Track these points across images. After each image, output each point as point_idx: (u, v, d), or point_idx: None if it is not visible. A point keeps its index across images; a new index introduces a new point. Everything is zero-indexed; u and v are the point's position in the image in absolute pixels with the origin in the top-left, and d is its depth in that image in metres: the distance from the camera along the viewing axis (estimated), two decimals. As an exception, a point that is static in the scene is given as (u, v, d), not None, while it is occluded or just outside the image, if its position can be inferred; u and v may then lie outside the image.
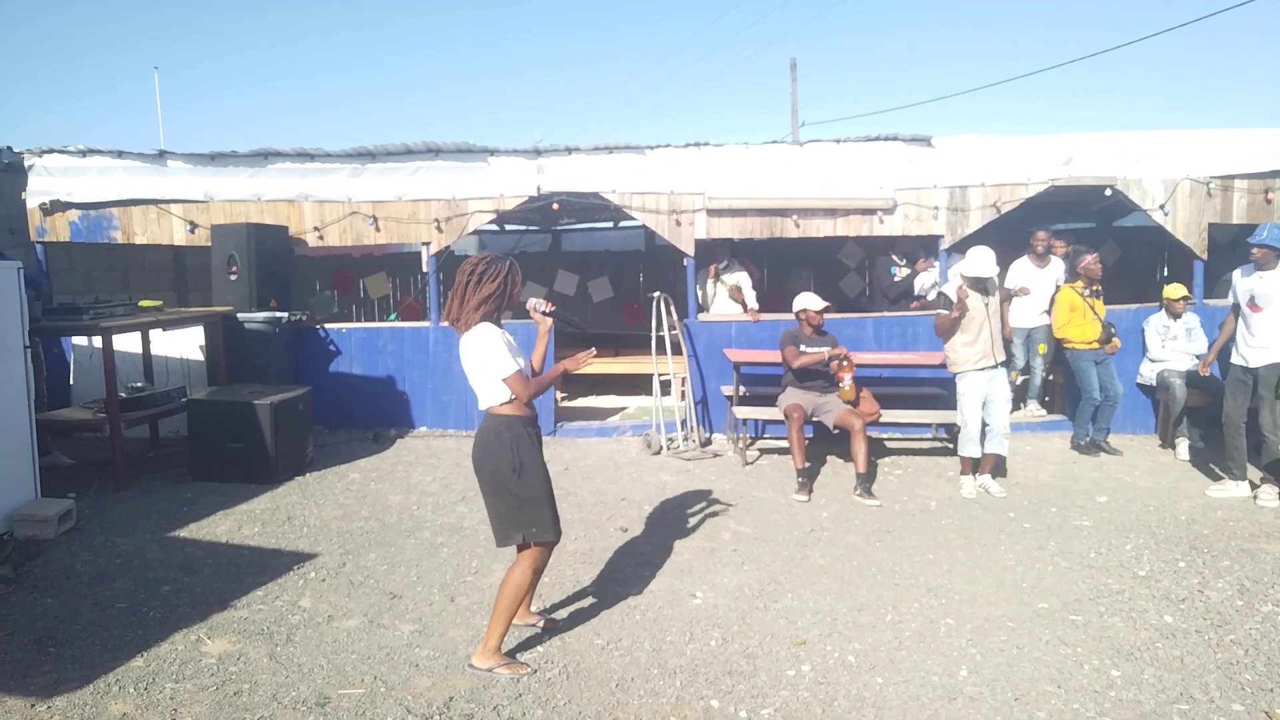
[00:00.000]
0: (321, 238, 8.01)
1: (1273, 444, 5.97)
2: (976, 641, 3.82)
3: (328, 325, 8.19)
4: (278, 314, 7.51)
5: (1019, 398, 8.40)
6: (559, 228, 12.56)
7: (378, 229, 7.96)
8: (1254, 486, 6.06)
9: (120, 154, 7.90)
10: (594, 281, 12.00)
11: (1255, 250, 5.96)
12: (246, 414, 6.28)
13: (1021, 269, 8.05)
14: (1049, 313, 7.80)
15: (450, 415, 8.12)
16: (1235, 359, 6.12)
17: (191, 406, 6.50)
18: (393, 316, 10.29)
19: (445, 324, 3.85)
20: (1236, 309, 6.17)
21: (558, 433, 8.08)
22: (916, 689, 3.41)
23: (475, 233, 8.83)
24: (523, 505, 3.51)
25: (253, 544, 5.18)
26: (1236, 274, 6.22)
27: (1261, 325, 5.92)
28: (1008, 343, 6.70)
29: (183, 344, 8.06)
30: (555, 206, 8.11)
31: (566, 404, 9.25)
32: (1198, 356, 7.45)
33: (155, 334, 7.72)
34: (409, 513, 5.80)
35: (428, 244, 8.05)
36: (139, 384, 7.13)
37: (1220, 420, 6.29)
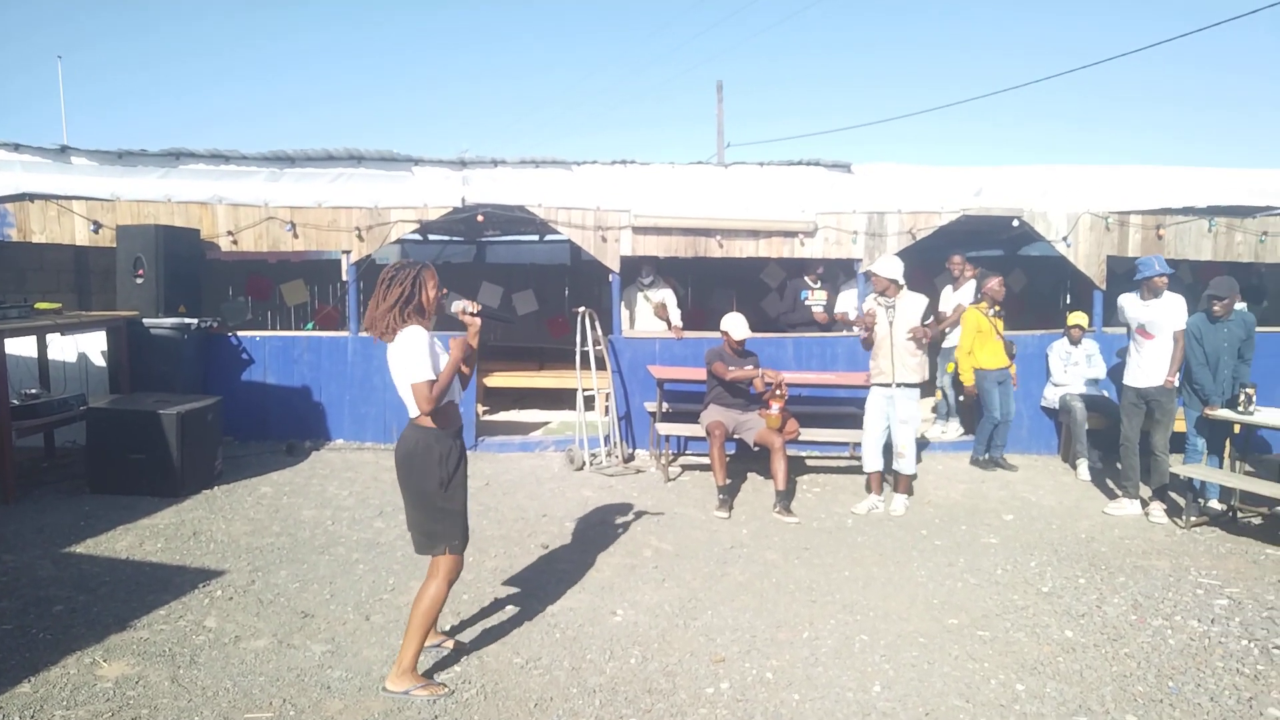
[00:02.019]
0: (235, 242, 7.75)
1: (1163, 465, 6.32)
2: (890, 657, 3.91)
3: (241, 333, 7.91)
4: (187, 320, 7.22)
5: (942, 417, 8.69)
6: (484, 239, 12.44)
7: (296, 235, 7.74)
8: (1145, 504, 6.39)
9: (18, 147, 7.49)
10: (519, 294, 11.91)
11: (1154, 281, 6.29)
12: (151, 424, 6.01)
13: (946, 294, 8.38)
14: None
15: (369, 427, 7.93)
16: (1128, 382, 6.46)
17: (91, 415, 6.18)
18: (310, 326, 9.99)
19: (364, 334, 3.73)
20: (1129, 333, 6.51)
21: (479, 447, 7.97)
22: (832, 705, 3.47)
23: (398, 242, 8.65)
24: (445, 517, 3.47)
25: (155, 560, 4.94)
26: (1125, 301, 6.55)
27: (1153, 351, 6.26)
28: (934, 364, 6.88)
29: (83, 349, 7.67)
30: (480, 218, 8.03)
31: (488, 418, 9.14)
32: (1096, 381, 7.84)
33: (53, 338, 7.33)
34: (323, 528, 5.64)
35: (348, 252, 7.87)
36: (33, 390, 6.74)
37: (1118, 442, 6.63)
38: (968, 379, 7.67)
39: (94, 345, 7.62)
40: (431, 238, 11.96)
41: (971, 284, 8.37)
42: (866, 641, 4.08)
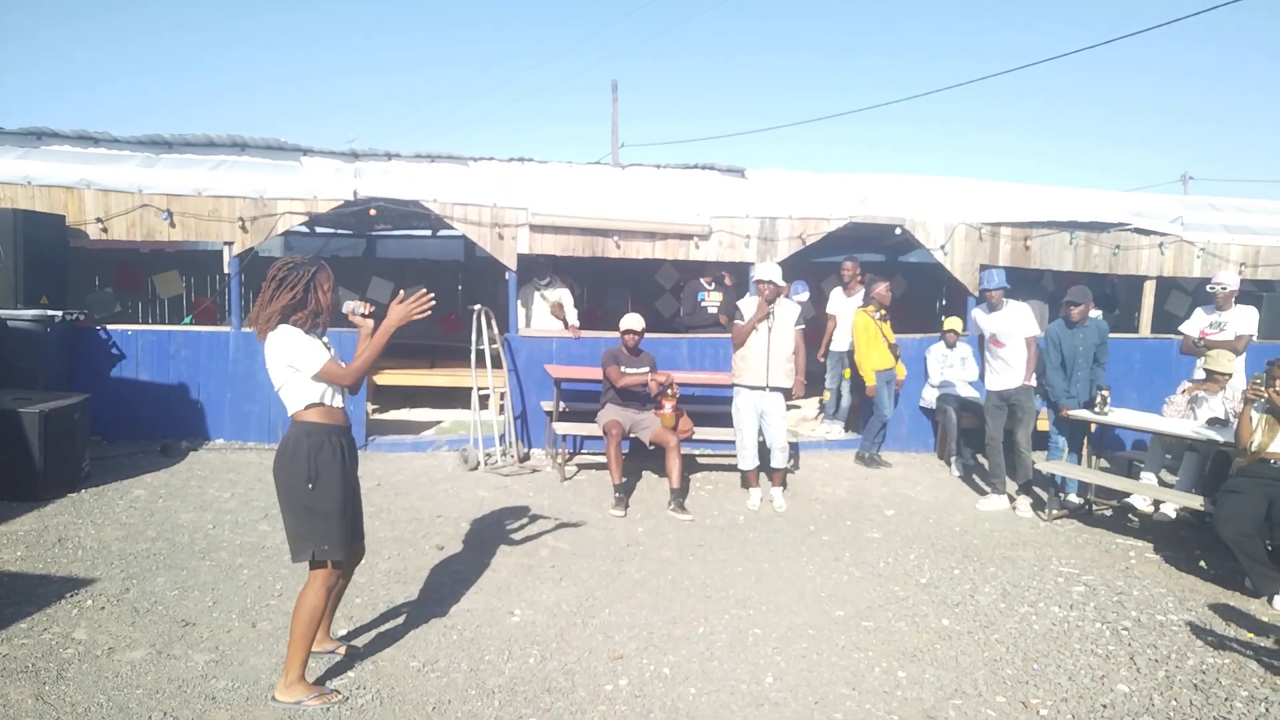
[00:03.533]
0: (105, 230, 7.28)
1: (1026, 462, 6.76)
2: (781, 649, 4.06)
3: (111, 326, 7.45)
4: (49, 312, 6.75)
5: (829, 416, 9.01)
6: (374, 233, 12.10)
7: (173, 225, 7.34)
8: (1012, 499, 6.82)
9: None
10: (410, 289, 11.60)
11: (990, 294, 6.73)
12: (10, 423, 5.59)
13: (836, 298, 8.69)
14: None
15: (251, 426, 7.61)
16: (988, 386, 6.89)
17: (-61, 414, 5.70)
18: (187, 320, 9.51)
19: (248, 329, 3.58)
20: (981, 340, 6.93)
21: (369, 447, 7.77)
22: (727, 697, 3.58)
23: (284, 234, 8.33)
24: (315, 519, 3.32)
25: (14, 570, 4.61)
26: (975, 313, 6.99)
27: (1006, 356, 6.68)
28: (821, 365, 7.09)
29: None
30: (372, 212, 7.83)
31: (378, 417, 8.92)
32: (971, 383, 8.31)
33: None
34: (203, 532, 5.38)
35: (230, 244, 7.52)
36: None
37: (986, 440, 7.05)
38: (871, 379, 7.93)
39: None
40: (319, 230, 11.55)
41: (861, 289, 8.71)
42: (759, 635, 4.21)
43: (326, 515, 3.33)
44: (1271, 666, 4.02)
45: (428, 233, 11.95)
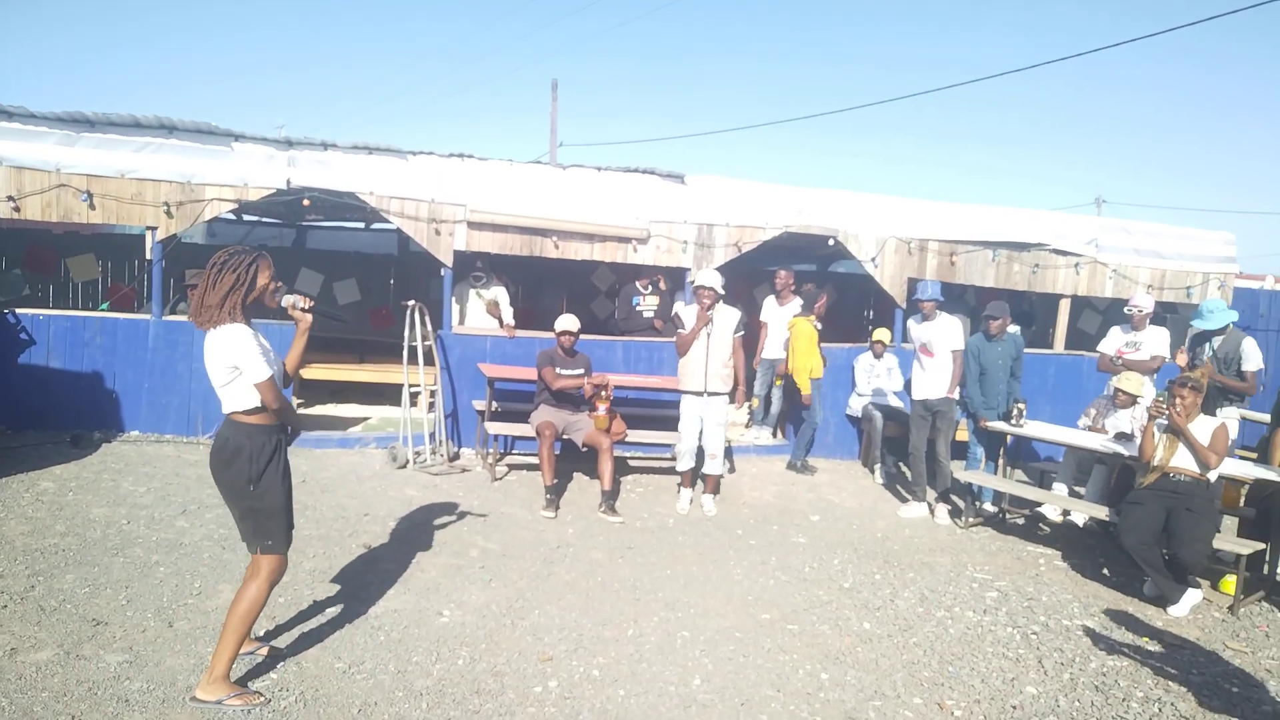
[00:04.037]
0: (18, 209, 6.94)
1: (945, 470, 7.00)
2: (709, 652, 4.12)
3: (20, 311, 7.11)
4: (-47, 293, 6.42)
5: (757, 422, 9.15)
6: (305, 224, 11.80)
7: (93, 207, 7.04)
8: (931, 507, 7.05)
9: None
10: (340, 283, 11.40)
11: (922, 304, 6.97)
12: (-94, 410, 5.30)
13: (769, 306, 8.84)
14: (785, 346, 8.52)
15: (169, 419, 7.35)
16: (914, 395, 7.11)
17: None
18: (104, 306, 9.11)
19: (187, 319, 3.51)
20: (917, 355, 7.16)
21: (294, 443, 7.58)
22: (655, 699, 3.62)
23: (209, 221, 8.04)
24: (258, 517, 3.36)
25: (-91, 565, 4.38)
26: (910, 323, 7.22)
27: (933, 367, 6.91)
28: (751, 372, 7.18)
29: None
30: (306, 203, 7.66)
31: (304, 411, 8.70)
32: (896, 393, 8.55)
33: None
34: (117, 527, 5.19)
35: (154, 229, 7.26)
36: None
37: (909, 449, 7.27)
38: (807, 387, 8.07)
39: None
40: (246, 218, 11.21)
41: (795, 298, 8.86)
42: (687, 637, 4.27)
43: (269, 514, 3.37)
44: (1163, 670, 4.26)
45: (361, 225, 11.71)
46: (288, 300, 3.49)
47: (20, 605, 4.03)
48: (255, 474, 3.32)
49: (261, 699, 3.32)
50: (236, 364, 3.25)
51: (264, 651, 3.69)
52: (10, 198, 6.88)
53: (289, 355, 3.63)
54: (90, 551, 4.78)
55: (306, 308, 3.51)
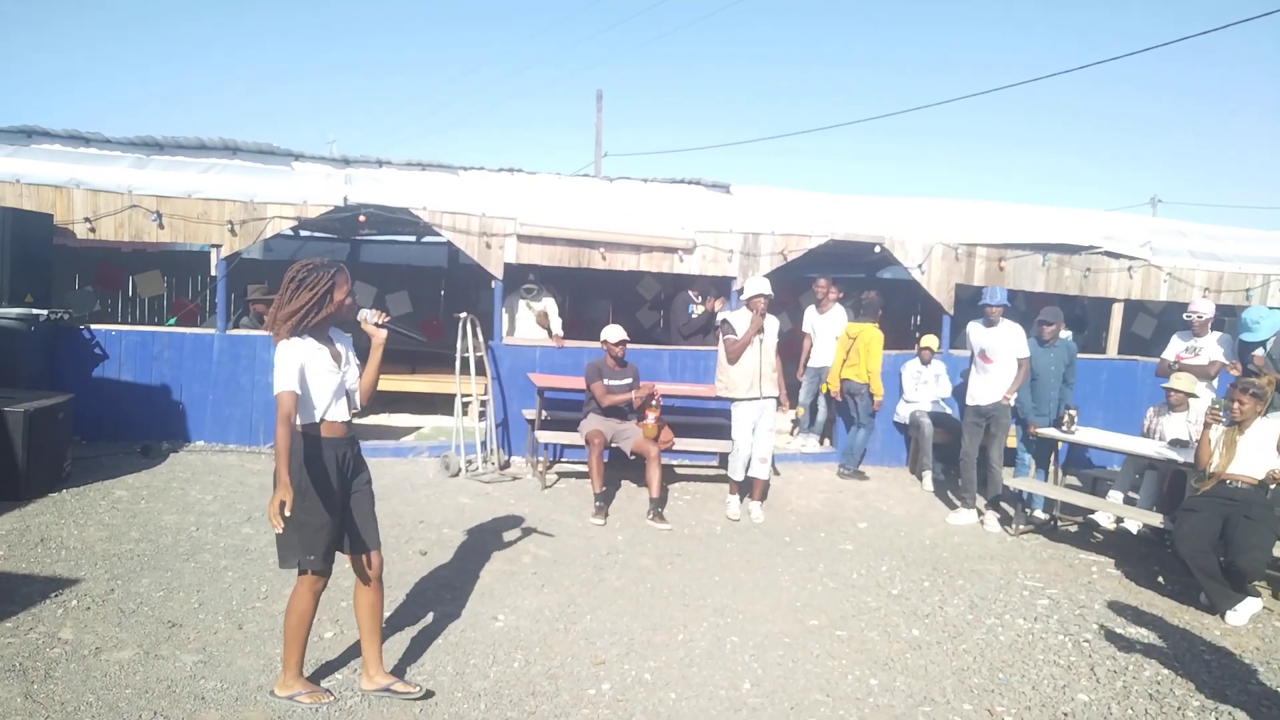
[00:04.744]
0: (93, 230, 7.30)
1: (996, 477, 6.95)
2: (758, 657, 4.19)
3: (94, 326, 7.46)
4: (34, 311, 6.76)
5: (804, 430, 9.17)
6: (358, 238, 12.14)
7: (162, 226, 7.37)
8: (981, 514, 7.01)
9: None
10: (392, 295, 11.70)
11: (990, 309, 6.94)
12: (-7, 422, 5.61)
13: (810, 315, 8.88)
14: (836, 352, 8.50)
15: (232, 429, 7.64)
16: (969, 402, 7.08)
17: (-79, 411, 5.70)
18: (172, 321, 9.49)
19: (251, 333, 3.59)
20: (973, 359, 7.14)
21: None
22: (706, 703, 3.70)
23: (274, 237, 8.34)
24: (301, 530, 3.29)
25: (-1, 569, 4.64)
26: (971, 328, 7.20)
27: (992, 373, 6.88)
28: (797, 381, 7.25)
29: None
30: (362, 219, 7.90)
31: (358, 421, 8.94)
32: (944, 399, 8.51)
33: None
34: (187, 534, 5.43)
35: (218, 246, 7.57)
36: None
37: (959, 456, 7.24)
38: (880, 391, 8.21)
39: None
40: (302, 233, 11.57)
41: (837, 307, 8.87)
42: (736, 643, 4.34)
43: (312, 527, 3.32)
44: (1220, 679, 4.20)
45: (412, 238, 12.00)
46: (361, 314, 3.50)
47: (102, 607, 4.26)
48: (302, 484, 3.26)
49: (330, 698, 3.48)
50: (274, 376, 3.26)
51: (399, 688, 3.55)
52: (87, 219, 7.24)
53: (364, 373, 3.59)
54: (163, 557, 5.01)
55: (380, 322, 3.50)
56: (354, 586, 3.59)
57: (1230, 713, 3.85)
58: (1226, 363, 6.94)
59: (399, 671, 3.78)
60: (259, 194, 7.53)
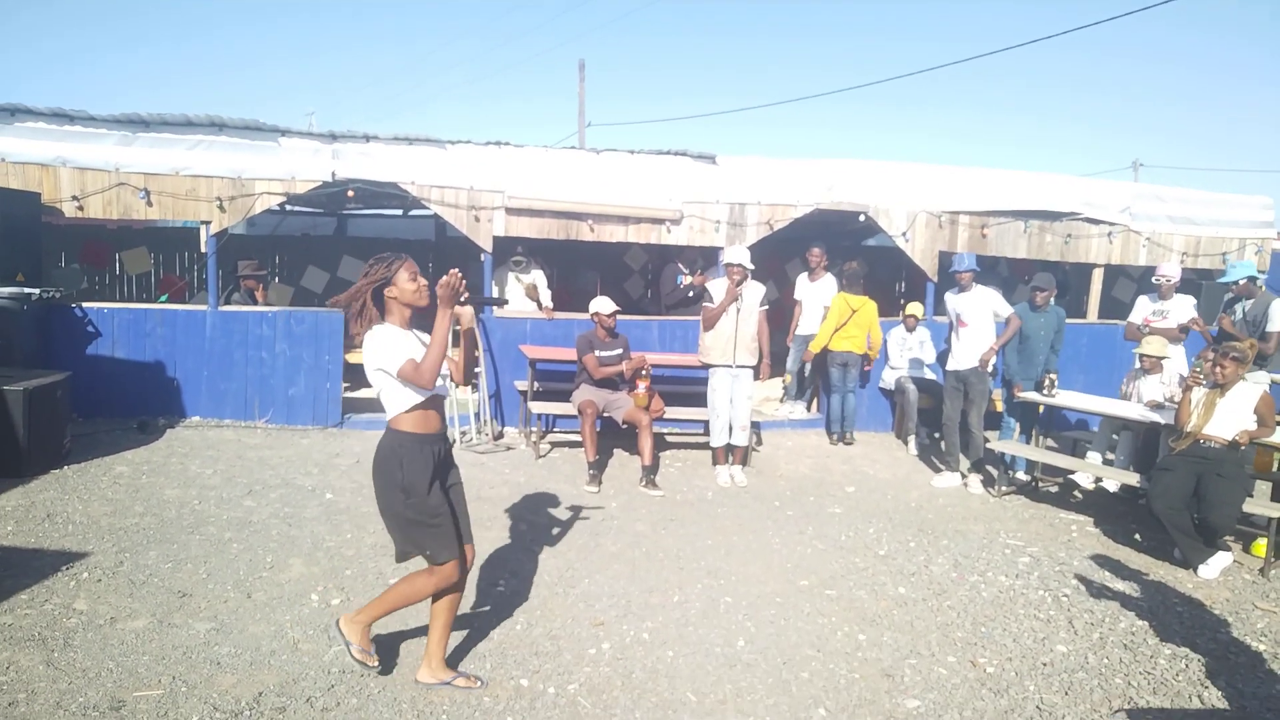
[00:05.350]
0: (81, 208, 7.29)
1: (978, 441, 7.13)
2: (751, 616, 4.36)
3: (86, 305, 7.48)
4: (26, 290, 6.77)
5: (791, 397, 9.33)
6: (345, 212, 12.12)
7: (150, 203, 7.37)
8: (964, 476, 7.20)
9: None
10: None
11: (959, 275, 7.09)
12: (-7, 401, 5.66)
13: (801, 283, 8.99)
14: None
15: (227, 404, 7.71)
16: (948, 367, 7.25)
17: (-80, 391, 5.75)
18: (164, 299, 9.50)
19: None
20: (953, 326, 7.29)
21: (345, 424, 7.93)
22: (703, 659, 3.87)
23: (264, 213, 8.35)
24: (415, 528, 3.32)
25: (7, 544, 4.73)
26: (947, 296, 7.35)
27: (968, 337, 7.03)
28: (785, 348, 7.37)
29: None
30: (350, 194, 7.93)
31: (350, 394, 9.02)
32: (929, 365, 8.68)
33: None
34: (190, 507, 5.53)
35: (208, 223, 7.58)
36: None
37: (942, 420, 7.42)
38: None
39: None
40: (289, 209, 11.54)
41: (827, 275, 8.98)
42: (730, 603, 4.51)
43: (426, 525, 3.32)
44: (1191, 629, 4.41)
45: (399, 212, 11.99)
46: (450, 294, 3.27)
47: (113, 579, 4.37)
48: (407, 483, 3.25)
49: (479, 683, 3.51)
50: (382, 365, 3.23)
51: (460, 682, 3.52)
52: (75, 197, 7.23)
53: (455, 353, 3.47)
54: (168, 530, 5.12)
55: (463, 300, 3.30)
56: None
57: (1200, 660, 4.05)
58: (1196, 321, 7.11)
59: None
60: (247, 170, 7.53)
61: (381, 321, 3.31)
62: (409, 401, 3.29)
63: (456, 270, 3.22)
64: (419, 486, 3.28)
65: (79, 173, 7.23)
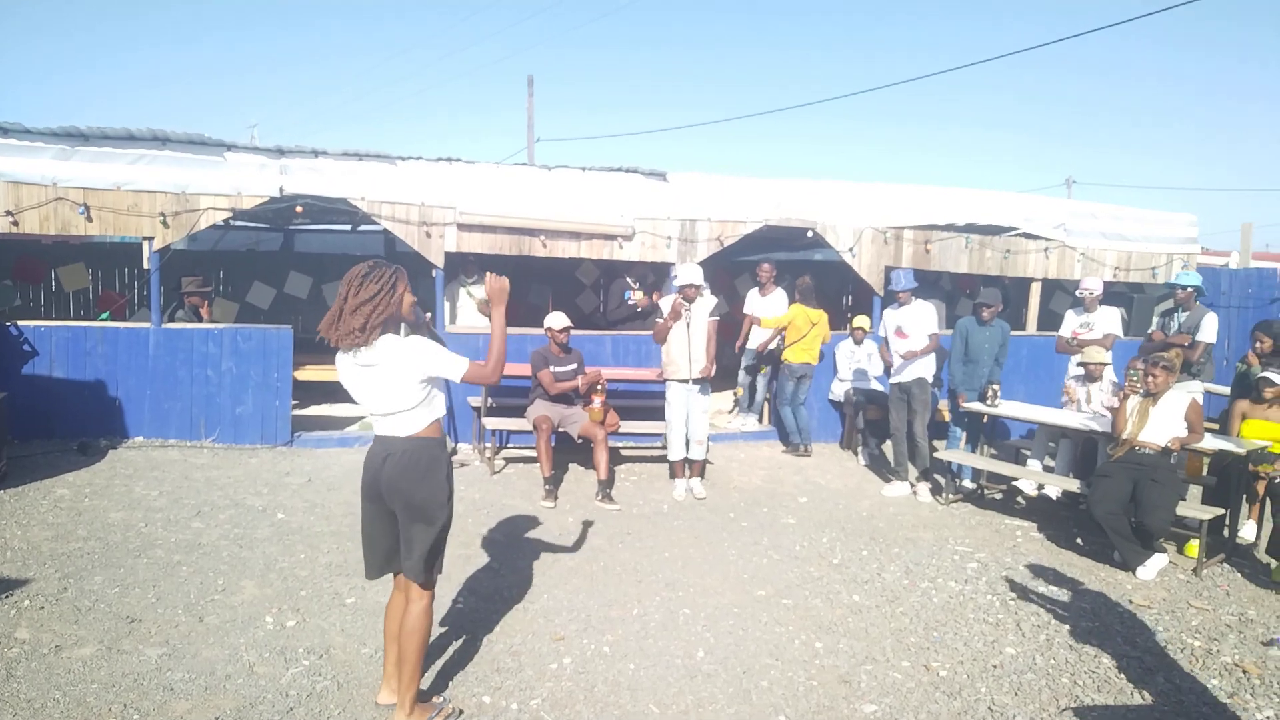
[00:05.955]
0: (16, 224, 7.07)
1: (924, 450, 7.31)
2: (710, 626, 4.40)
3: (22, 322, 7.25)
4: (-42, 308, 6.55)
5: (744, 409, 9.43)
6: (293, 227, 11.93)
7: (90, 219, 7.18)
8: (913, 485, 7.37)
9: None
10: (329, 285, 11.55)
11: (899, 295, 7.30)
12: (-76, 424, 5.46)
13: (752, 298, 9.13)
14: (782, 336, 8.74)
15: (172, 424, 7.52)
16: (891, 380, 7.43)
17: None
18: (105, 316, 9.24)
19: (326, 338, 3.20)
20: (887, 341, 7.47)
21: (295, 443, 7.80)
22: (663, 671, 3.90)
23: (211, 228, 8.18)
24: (440, 537, 3.29)
25: (-58, 572, 4.57)
26: (888, 311, 7.54)
27: (907, 348, 7.20)
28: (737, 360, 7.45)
29: None
30: (299, 210, 7.83)
31: (299, 412, 8.89)
32: (877, 377, 8.87)
33: None
34: (136, 530, 5.39)
35: (150, 239, 7.41)
36: None
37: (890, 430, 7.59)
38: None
39: None
40: (234, 224, 11.33)
41: (778, 290, 9.12)
42: (689, 614, 4.55)
43: (445, 536, 3.33)
44: (1132, 629, 4.59)
45: (347, 227, 11.86)
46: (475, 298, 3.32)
47: (56, 606, 4.24)
48: (450, 490, 3.24)
49: (457, 711, 3.43)
50: (438, 371, 3.15)
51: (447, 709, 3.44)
52: (9, 212, 7.00)
53: (492, 342, 3.32)
54: (114, 554, 4.98)
55: (489, 301, 3.31)
56: (392, 601, 3.46)
57: (1140, 658, 4.21)
58: (1119, 335, 7.42)
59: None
60: (191, 185, 7.38)
61: (394, 332, 3.20)
62: (441, 409, 3.29)
63: (494, 274, 3.32)
64: (452, 495, 3.30)
65: (14, 187, 7.01)
